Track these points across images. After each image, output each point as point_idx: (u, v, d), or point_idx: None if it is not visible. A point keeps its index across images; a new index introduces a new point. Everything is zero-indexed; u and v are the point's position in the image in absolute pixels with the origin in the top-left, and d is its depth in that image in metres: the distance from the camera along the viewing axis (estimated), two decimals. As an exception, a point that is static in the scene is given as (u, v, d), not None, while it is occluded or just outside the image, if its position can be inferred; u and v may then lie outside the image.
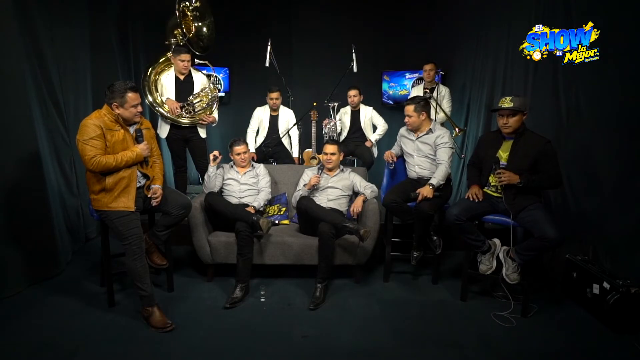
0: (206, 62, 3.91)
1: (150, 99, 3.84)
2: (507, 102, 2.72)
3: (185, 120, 3.83)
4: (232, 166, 3.49)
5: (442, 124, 4.03)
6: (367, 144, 4.55)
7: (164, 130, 3.90)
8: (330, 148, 3.41)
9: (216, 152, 3.33)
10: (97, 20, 3.94)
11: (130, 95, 2.51)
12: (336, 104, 4.62)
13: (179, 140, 3.96)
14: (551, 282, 3.24)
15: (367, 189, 3.31)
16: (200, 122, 3.88)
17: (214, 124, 4.05)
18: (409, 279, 3.34)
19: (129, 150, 2.56)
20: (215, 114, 3.98)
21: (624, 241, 2.76)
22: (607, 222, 2.89)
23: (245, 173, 3.47)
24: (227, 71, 5.66)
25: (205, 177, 3.36)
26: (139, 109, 2.58)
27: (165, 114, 3.80)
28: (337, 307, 2.89)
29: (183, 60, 3.74)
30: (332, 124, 4.52)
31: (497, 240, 2.89)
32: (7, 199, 2.87)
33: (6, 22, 2.83)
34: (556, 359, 2.38)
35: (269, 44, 4.48)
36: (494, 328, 2.64)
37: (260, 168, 3.57)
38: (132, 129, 2.65)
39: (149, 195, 2.72)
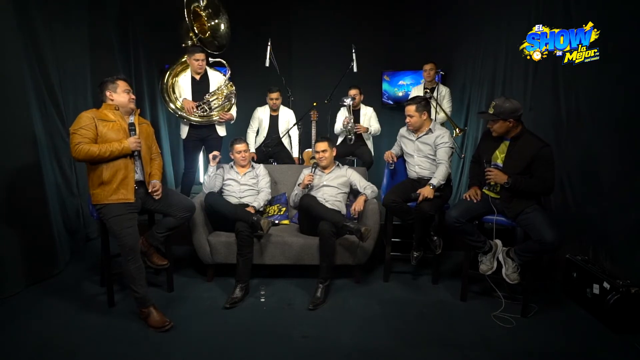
0: (221, 60, 3.94)
1: (172, 105, 3.88)
2: (490, 109, 2.72)
3: (202, 120, 3.85)
4: (232, 166, 3.49)
5: (442, 124, 4.02)
6: (362, 129, 4.43)
7: (183, 131, 3.96)
8: (321, 145, 3.38)
9: (216, 152, 3.34)
10: (97, 20, 3.94)
11: (120, 82, 2.62)
12: (349, 99, 4.53)
13: (196, 141, 3.98)
14: (551, 282, 3.24)
15: (367, 189, 3.31)
16: (217, 120, 3.90)
17: (232, 122, 4.07)
18: (409, 279, 3.34)
19: (116, 142, 2.56)
20: (233, 111, 4.01)
21: (624, 241, 2.76)
22: (607, 222, 2.89)
23: (245, 173, 3.47)
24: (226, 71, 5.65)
25: (205, 177, 3.37)
26: (132, 95, 2.66)
27: (183, 114, 3.83)
28: (337, 307, 2.89)
29: (197, 60, 3.77)
30: (352, 122, 4.43)
31: (498, 242, 2.88)
32: (7, 199, 2.87)
33: (6, 22, 2.83)
34: (556, 359, 2.38)
35: (269, 44, 4.48)
36: (494, 328, 2.64)
37: (260, 168, 3.57)
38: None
39: (149, 190, 2.72)
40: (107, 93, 2.61)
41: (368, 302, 2.96)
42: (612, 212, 2.85)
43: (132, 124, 2.66)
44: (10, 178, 2.89)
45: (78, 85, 3.75)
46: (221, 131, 4.02)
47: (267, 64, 4.50)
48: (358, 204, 3.17)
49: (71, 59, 3.61)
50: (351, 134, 4.42)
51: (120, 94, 2.62)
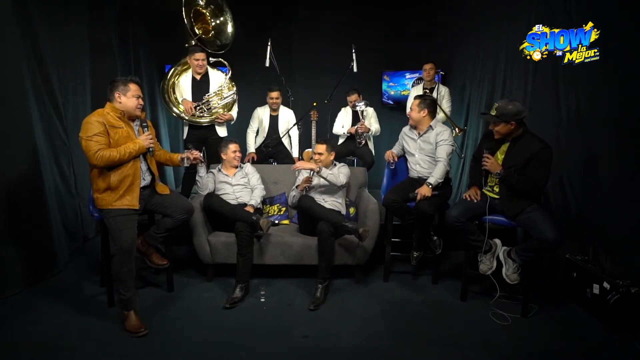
0: (221, 60, 3.94)
1: (175, 109, 3.89)
2: (492, 110, 2.72)
3: (200, 120, 3.85)
4: (219, 170, 3.47)
5: (442, 124, 4.02)
6: (364, 128, 4.45)
7: (184, 132, 3.97)
8: (319, 148, 3.37)
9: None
10: (97, 20, 3.94)
11: (132, 85, 2.56)
12: (363, 103, 4.54)
13: (196, 141, 3.95)
14: (551, 282, 3.24)
15: (340, 176, 3.27)
16: (216, 120, 3.90)
17: (232, 122, 4.08)
18: (409, 279, 3.34)
19: (130, 142, 2.55)
20: (234, 112, 4.01)
21: (624, 241, 2.76)
22: (607, 222, 2.89)
23: (235, 174, 3.46)
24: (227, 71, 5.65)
25: (197, 179, 3.32)
26: (141, 102, 2.61)
27: (182, 114, 3.83)
28: (337, 307, 2.89)
29: (197, 60, 3.79)
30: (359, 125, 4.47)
31: (497, 241, 2.89)
32: (6, 199, 2.87)
33: (5, 22, 2.83)
34: (556, 359, 2.38)
35: (269, 44, 4.48)
36: (494, 328, 2.64)
37: (248, 167, 3.56)
38: (135, 126, 2.67)
39: (190, 157, 2.88)
40: (116, 94, 2.54)
41: (368, 302, 2.96)
42: (612, 212, 2.85)
43: (144, 121, 2.67)
44: (9, 178, 2.89)
45: (78, 85, 3.74)
46: (221, 132, 4.02)
47: (267, 64, 4.50)
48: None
49: (71, 59, 3.61)
50: (362, 138, 4.47)
51: (129, 98, 2.56)
